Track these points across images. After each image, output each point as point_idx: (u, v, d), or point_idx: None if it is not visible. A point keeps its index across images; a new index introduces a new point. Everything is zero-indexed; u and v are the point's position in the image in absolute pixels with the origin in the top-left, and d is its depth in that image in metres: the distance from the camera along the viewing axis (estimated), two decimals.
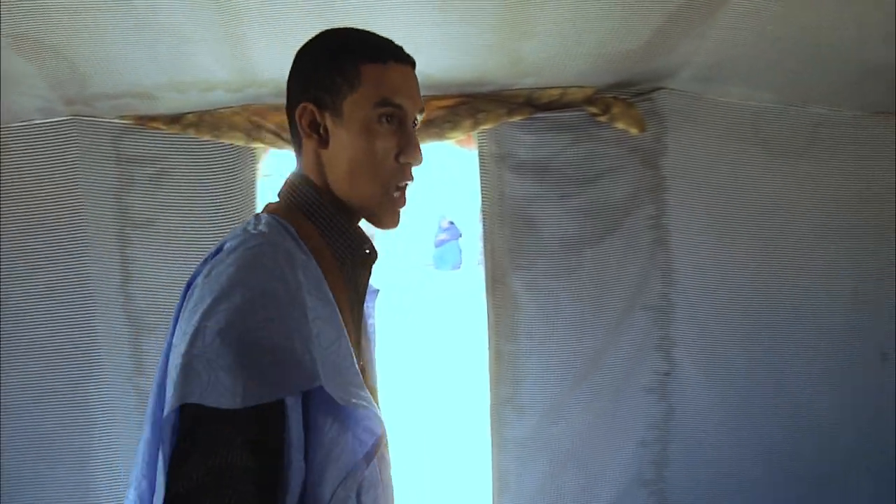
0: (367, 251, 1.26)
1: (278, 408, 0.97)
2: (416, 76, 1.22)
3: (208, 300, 1.00)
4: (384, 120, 1.16)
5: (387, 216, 1.21)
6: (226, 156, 2.48)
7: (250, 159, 2.49)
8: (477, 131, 2.46)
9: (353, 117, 1.16)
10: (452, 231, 16.59)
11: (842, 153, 2.72)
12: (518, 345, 2.61)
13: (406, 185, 1.21)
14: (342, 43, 1.20)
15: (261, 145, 2.45)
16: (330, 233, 1.21)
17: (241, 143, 2.42)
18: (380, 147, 1.16)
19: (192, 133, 2.42)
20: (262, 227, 1.15)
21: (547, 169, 2.54)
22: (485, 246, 2.59)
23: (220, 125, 2.41)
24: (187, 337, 0.98)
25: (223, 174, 2.49)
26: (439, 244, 16.66)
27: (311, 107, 1.19)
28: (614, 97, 2.42)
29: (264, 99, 2.38)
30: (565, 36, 2.07)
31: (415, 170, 1.19)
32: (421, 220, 16.51)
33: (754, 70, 2.29)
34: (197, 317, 0.99)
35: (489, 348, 2.62)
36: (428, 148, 2.52)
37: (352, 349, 1.11)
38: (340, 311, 1.13)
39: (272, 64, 2.13)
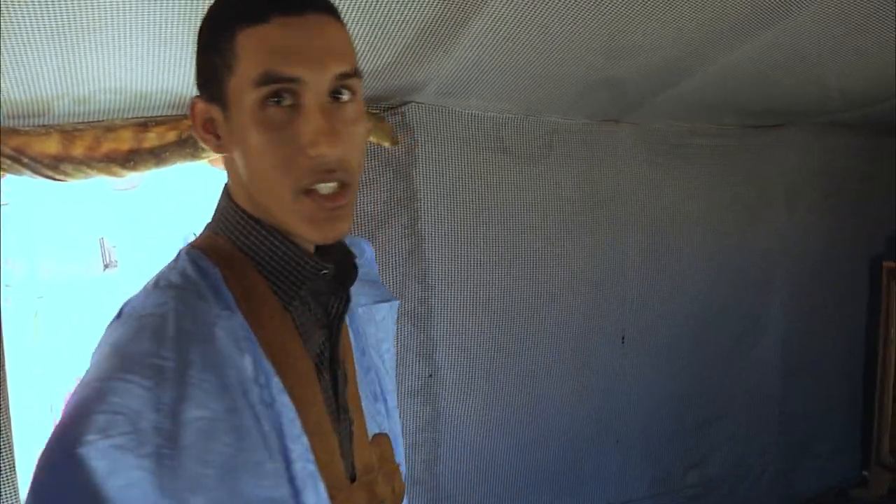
0: (324, 271, 0.96)
1: None
2: (327, 24, 0.88)
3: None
4: (272, 102, 0.85)
5: (305, 228, 0.89)
6: None
7: None
8: None
9: (238, 105, 0.87)
10: None
11: (575, 157, 2.94)
12: None
13: (324, 180, 0.87)
14: (217, 11, 0.90)
15: None
16: (265, 262, 0.93)
17: None
18: (271, 140, 0.85)
19: None
20: (170, 277, 0.90)
21: None
22: None
23: None
24: None
25: None
26: None
27: (200, 102, 0.92)
28: (367, 112, 2.44)
29: None
30: None
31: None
32: (168, 241, 15.58)
33: (494, 84, 2.41)
34: None
35: None
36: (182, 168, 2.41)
37: (290, 418, 0.87)
38: (286, 365, 0.90)
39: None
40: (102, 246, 21.72)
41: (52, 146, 2.17)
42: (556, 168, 2.90)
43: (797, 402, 3.84)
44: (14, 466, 2.14)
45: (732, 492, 3.69)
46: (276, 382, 0.88)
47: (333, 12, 0.91)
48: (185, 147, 2.33)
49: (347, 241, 1.12)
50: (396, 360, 1.29)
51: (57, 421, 0.76)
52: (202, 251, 0.95)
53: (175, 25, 1.67)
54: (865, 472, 4.13)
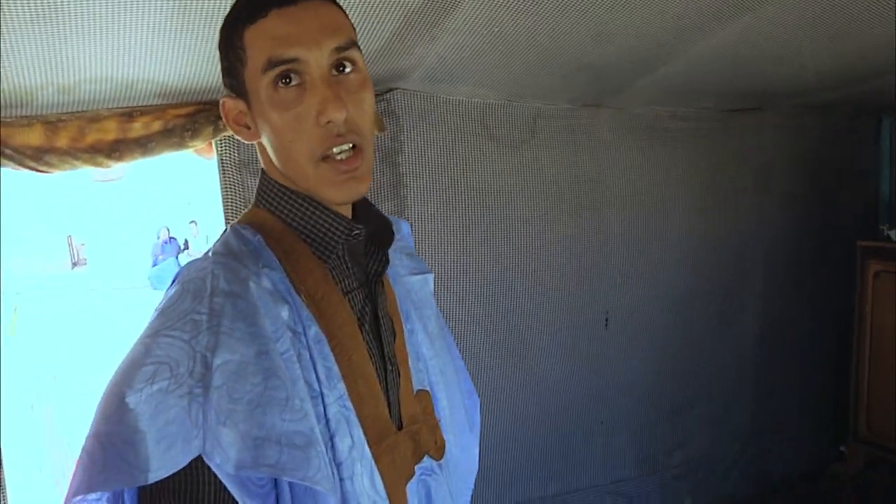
0: (356, 232, 1.07)
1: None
2: (317, 7, 0.98)
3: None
4: (280, 83, 0.96)
5: (328, 191, 1.01)
6: None
7: None
8: (217, 138, 2.38)
9: (256, 94, 0.99)
10: (172, 247, 15.14)
11: (558, 142, 2.97)
12: None
13: (342, 149, 0.98)
14: (230, 15, 1.02)
15: None
16: (300, 226, 1.05)
17: None
18: (286, 117, 0.97)
19: None
20: (216, 248, 1.03)
21: None
22: None
23: None
24: None
25: None
26: (156, 262, 14.94)
27: (228, 100, 1.04)
28: None
29: None
30: None
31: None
32: (139, 236, 15.15)
33: (479, 70, 2.42)
34: None
35: None
36: (166, 158, 2.40)
37: (322, 361, 0.98)
38: (328, 314, 1.01)
39: None
40: (70, 244, 21.55)
41: (35, 137, 2.16)
42: (539, 152, 2.92)
43: (775, 382, 3.90)
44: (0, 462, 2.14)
45: (714, 471, 3.75)
46: (316, 332, 0.99)
47: None
48: (171, 136, 2.32)
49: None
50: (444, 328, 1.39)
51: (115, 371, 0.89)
52: (245, 223, 1.07)
53: (163, 13, 1.67)
54: (843, 448, 4.20)
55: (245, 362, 0.89)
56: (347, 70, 1.00)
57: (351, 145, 0.99)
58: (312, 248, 1.05)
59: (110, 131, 2.26)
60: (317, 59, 0.96)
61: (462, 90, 2.62)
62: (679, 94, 3.05)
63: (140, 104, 2.24)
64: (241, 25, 0.98)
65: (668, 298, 3.44)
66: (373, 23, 1.93)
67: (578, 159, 3.04)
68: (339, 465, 0.96)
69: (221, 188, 2.44)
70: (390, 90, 2.50)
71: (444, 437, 1.23)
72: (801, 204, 3.84)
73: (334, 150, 0.98)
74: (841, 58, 2.66)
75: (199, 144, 2.35)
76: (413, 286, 1.30)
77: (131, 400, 0.84)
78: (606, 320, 3.21)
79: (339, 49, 0.98)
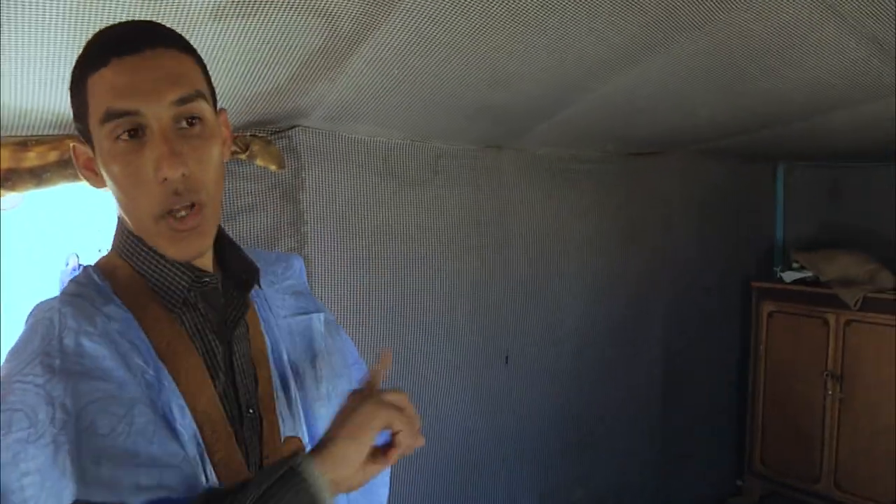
0: (205, 280, 1.06)
1: None
2: (161, 56, 0.94)
3: None
4: (121, 137, 0.93)
5: (167, 248, 1.00)
6: None
7: None
8: None
9: (98, 145, 0.96)
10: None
11: (460, 181, 3.02)
12: None
13: (174, 206, 0.96)
14: (77, 61, 0.98)
15: None
16: (148, 275, 1.03)
17: None
18: (126, 171, 0.94)
19: None
20: (66, 287, 1.02)
21: None
22: None
23: None
24: None
25: None
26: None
27: (78, 146, 1.02)
28: (253, 135, 2.45)
29: None
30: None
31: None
32: (49, 263, 14.77)
33: (380, 110, 2.46)
34: None
35: None
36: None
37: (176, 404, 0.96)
38: (174, 362, 0.99)
39: None
40: None
41: None
42: (441, 191, 2.96)
43: (676, 417, 4.01)
44: None
45: None
46: (166, 373, 0.98)
47: (177, 44, 0.98)
48: (66, 167, 2.27)
49: (275, 257, 1.30)
50: (338, 365, 1.35)
51: None
52: (98, 267, 1.07)
53: (59, 44, 1.65)
54: (740, 482, 4.34)
55: (106, 397, 0.88)
56: (192, 124, 0.97)
57: (190, 203, 0.98)
58: (160, 297, 1.04)
59: (3, 160, 2.20)
60: (155, 113, 0.93)
61: (364, 129, 2.64)
62: (579, 137, 3.14)
63: (35, 134, 2.20)
64: (85, 73, 0.96)
65: (570, 335, 3.50)
66: (270, 63, 1.95)
67: (480, 198, 3.09)
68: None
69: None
70: (292, 127, 2.52)
71: None
72: (700, 243, 3.98)
73: (169, 208, 0.97)
74: (733, 109, 2.79)
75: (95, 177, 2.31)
76: (295, 328, 1.26)
77: None
78: (507, 357, 3.25)
79: (182, 101, 0.95)
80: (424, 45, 1.94)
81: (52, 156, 2.26)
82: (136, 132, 0.94)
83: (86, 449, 0.84)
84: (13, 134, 2.18)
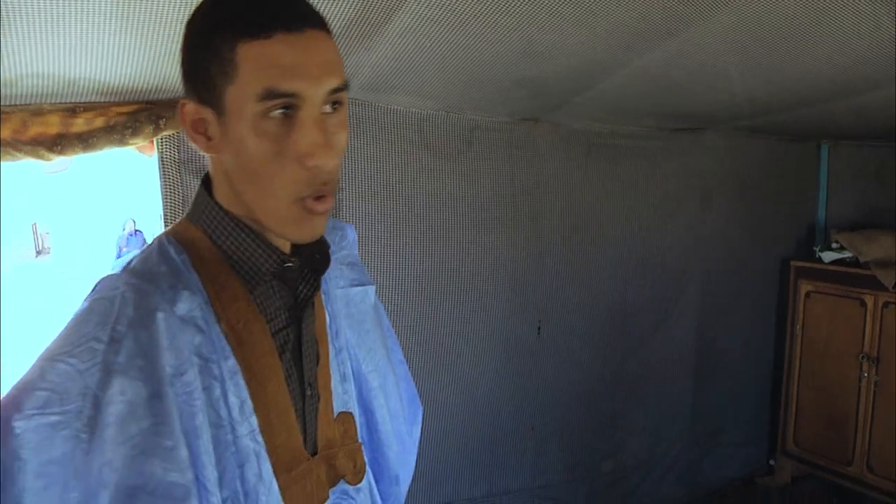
0: (288, 265, 1.04)
1: None
2: (322, 40, 0.92)
3: None
4: (272, 115, 0.90)
5: (292, 230, 0.98)
6: None
7: None
8: (158, 137, 2.43)
9: (237, 113, 0.91)
10: (137, 239, 15.11)
11: (495, 154, 3.05)
12: None
13: (321, 193, 0.95)
14: (215, 17, 0.92)
15: None
16: (232, 252, 1.01)
17: None
18: (267, 149, 0.91)
19: None
20: (134, 264, 0.98)
21: None
22: None
23: None
24: None
25: None
26: (121, 254, 14.28)
27: (190, 104, 0.96)
28: None
29: None
30: None
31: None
32: (104, 227, 14.99)
33: (417, 81, 2.49)
34: None
35: None
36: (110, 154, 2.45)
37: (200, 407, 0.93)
38: (247, 345, 0.99)
39: None
40: (35, 232, 21.23)
41: None
42: (476, 163, 3.00)
43: (709, 393, 4.01)
44: None
45: (645, 480, 3.85)
46: (233, 364, 0.98)
47: (326, 27, 0.95)
48: (112, 133, 2.37)
49: (332, 225, 1.26)
50: (386, 336, 1.39)
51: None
52: (175, 237, 1.03)
53: (103, 14, 1.71)
54: (772, 461, 4.33)
55: (136, 403, 0.87)
56: (335, 109, 0.96)
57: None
58: (240, 276, 1.02)
59: (53, 125, 2.30)
60: (314, 97, 0.91)
61: (399, 100, 2.68)
62: (617, 111, 3.14)
63: (83, 100, 2.28)
64: (234, 36, 0.89)
65: (602, 308, 3.53)
66: None
67: (515, 171, 3.12)
68: (245, 495, 0.97)
69: (161, 186, 2.49)
70: None
71: (364, 459, 1.23)
72: (738, 222, 3.96)
73: (311, 194, 0.95)
74: (770, 85, 2.76)
75: (140, 142, 2.39)
76: (352, 298, 1.27)
77: (19, 425, 0.83)
78: (539, 328, 3.29)
79: (336, 90, 0.94)
80: (456, 17, 1.97)
81: (99, 121, 2.35)
82: (287, 110, 0.91)
83: (101, 451, 0.85)
84: (62, 100, 2.26)
